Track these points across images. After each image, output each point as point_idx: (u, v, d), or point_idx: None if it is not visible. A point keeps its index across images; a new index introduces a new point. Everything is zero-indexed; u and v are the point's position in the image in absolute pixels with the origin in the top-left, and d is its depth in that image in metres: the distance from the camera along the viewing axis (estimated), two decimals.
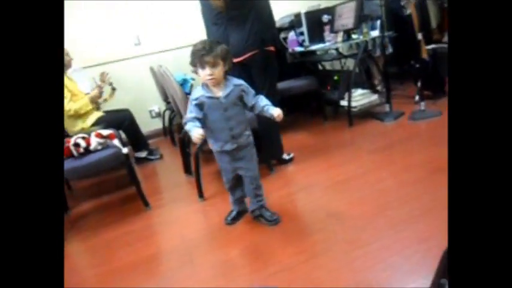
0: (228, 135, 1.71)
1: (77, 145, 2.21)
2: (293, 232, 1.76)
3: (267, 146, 2.50)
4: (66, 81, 2.93)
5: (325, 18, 3.49)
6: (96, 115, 3.09)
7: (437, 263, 0.94)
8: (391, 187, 2.00)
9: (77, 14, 3.94)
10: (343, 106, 3.36)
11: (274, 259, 1.58)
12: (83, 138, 2.25)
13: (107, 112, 3.26)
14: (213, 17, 2.34)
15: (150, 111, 4.42)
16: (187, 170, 2.86)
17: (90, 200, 2.84)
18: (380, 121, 3.12)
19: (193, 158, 2.40)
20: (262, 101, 1.74)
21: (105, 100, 3.36)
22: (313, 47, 3.42)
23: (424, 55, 3.15)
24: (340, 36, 3.28)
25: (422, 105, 2.99)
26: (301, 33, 3.64)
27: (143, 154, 3.48)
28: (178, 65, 3.78)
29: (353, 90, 3.26)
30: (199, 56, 1.57)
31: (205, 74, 1.60)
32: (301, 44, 3.63)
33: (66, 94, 2.87)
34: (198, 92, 1.67)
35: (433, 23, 3.85)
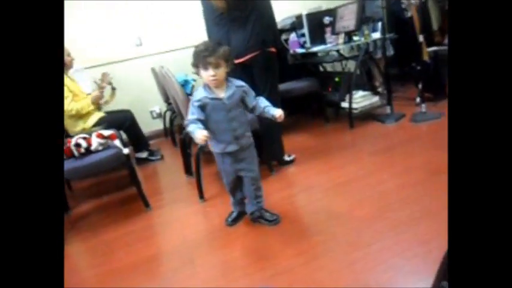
0: (231, 136, 1.70)
1: (78, 145, 2.21)
2: (293, 233, 1.76)
3: (268, 147, 2.51)
4: (67, 81, 2.93)
5: (327, 19, 3.49)
6: (97, 115, 3.09)
7: (438, 265, 0.94)
8: (392, 189, 2.00)
9: (80, 14, 3.95)
10: (344, 108, 3.36)
11: (274, 260, 1.57)
12: (84, 138, 2.26)
13: (108, 113, 3.26)
14: (215, 18, 2.34)
15: (151, 112, 4.43)
16: (187, 170, 2.86)
17: (90, 200, 2.85)
18: (381, 123, 3.12)
19: (194, 159, 2.40)
20: (263, 102, 1.76)
21: (106, 102, 3.36)
22: (315, 49, 3.43)
23: (425, 57, 3.15)
24: (341, 38, 3.28)
25: (423, 107, 2.99)
26: (303, 35, 3.65)
27: (144, 155, 3.49)
28: (180, 66, 3.79)
29: (354, 92, 3.26)
30: (202, 57, 1.57)
31: (207, 75, 1.60)
32: (302, 46, 3.64)
33: (68, 94, 2.88)
34: (200, 94, 1.66)
35: (435, 25, 3.85)
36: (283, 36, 3.78)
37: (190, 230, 2.03)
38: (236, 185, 1.88)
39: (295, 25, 3.72)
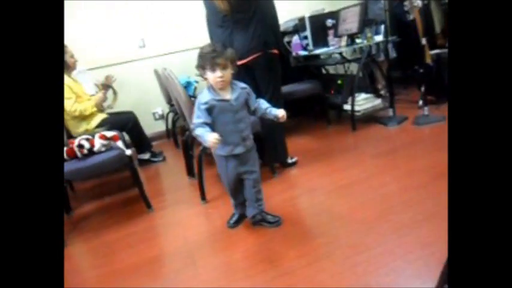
0: (238, 137, 1.70)
1: (80, 146, 2.22)
2: (296, 235, 1.76)
3: (271, 149, 2.51)
4: (71, 82, 2.94)
5: (329, 22, 3.49)
6: (100, 117, 3.10)
7: (440, 268, 0.94)
8: (395, 192, 2.00)
9: (85, 16, 3.97)
10: (346, 110, 3.36)
11: (276, 262, 1.57)
12: (87, 139, 2.26)
13: (110, 114, 3.27)
14: (219, 20, 2.35)
15: (154, 114, 4.44)
16: (190, 172, 2.86)
17: (92, 201, 2.85)
18: (383, 125, 3.12)
19: (197, 161, 2.41)
20: (264, 104, 1.78)
21: (109, 106, 3.37)
22: (317, 51, 3.43)
23: (428, 60, 3.14)
24: (344, 41, 3.28)
25: (426, 110, 2.99)
26: (305, 37, 3.65)
27: (146, 156, 3.49)
28: (183, 68, 3.81)
29: (356, 94, 3.26)
30: (210, 58, 1.57)
31: (215, 76, 1.59)
32: (305, 48, 3.64)
33: (71, 95, 2.88)
34: (206, 96, 1.65)
35: (437, 28, 3.85)
36: (286, 39, 3.79)
37: (192, 232, 2.03)
38: (237, 188, 1.87)
39: (298, 27, 3.73)
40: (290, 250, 1.64)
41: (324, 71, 4.02)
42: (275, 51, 2.43)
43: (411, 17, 3.21)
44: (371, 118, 3.30)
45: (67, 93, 2.85)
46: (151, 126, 4.25)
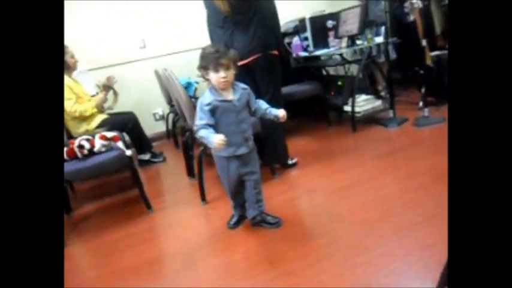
0: (241, 138, 1.71)
1: (81, 147, 2.22)
2: (296, 236, 1.76)
3: (271, 150, 2.51)
4: (71, 83, 2.94)
5: (330, 23, 3.50)
6: (100, 117, 3.10)
7: (440, 269, 0.94)
8: (395, 193, 2.00)
9: (83, 16, 3.98)
10: (346, 111, 3.36)
11: (276, 263, 1.57)
12: (87, 140, 2.26)
13: (111, 114, 3.27)
14: (219, 21, 2.35)
15: (154, 114, 4.44)
16: (190, 173, 2.86)
17: (92, 201, 2.85)
18: (384, 127, 3.12)
19: (197, 161, 2.41)
20: (263, 104, 1.79)
21: (110, 108, 3.37)
22: (318, 52, 3.44)
23: (428, 62, 3.15)
24: (344, 42, 3.29)
25: (426, 111, 2.99)
26: (306, 38, 3.65)
27: (146, 156, 3.49)
28: (183, 69, 3.81)
29: (357, 95, 3.26)
30: (214, 59, 1.57)
31: (219, 76, 1.59)
32: (305, 49, 3.64)
33: (72, 96, 2.89)
34: (208, 97, 1.64)
35: (438, 29, 3.85)
36: (286, 40, 3.79)
37: (192, 232, 2.03)
38: (238, 190, 1.87)
39: (299, 28, 3.73)
40: (290, 251, 1.64)
41: (324, 72, 4.02)
42: (275, 52, 2.43)
43: (411, 18, 3.22)
44: (371, 119, 3.30)
45: (67, 93, 2.85)
46: (152, 127, 4.25)
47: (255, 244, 1.78)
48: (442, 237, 1.47)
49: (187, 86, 3.83)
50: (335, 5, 3.86)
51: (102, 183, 3.27)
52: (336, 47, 3.38)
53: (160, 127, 4.44)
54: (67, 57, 2.94)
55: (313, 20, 3.58)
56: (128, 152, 2.33)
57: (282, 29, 3.55)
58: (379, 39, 3.27)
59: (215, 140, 1.53)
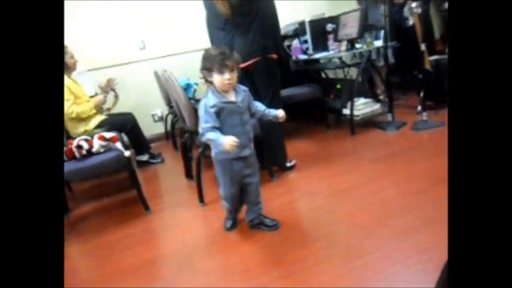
0: (246, 139, 1.71)
1: (79, 147, 2.22)
2: (294, 239, 1.75)
3: (270, 152, 2.51)
4: (70, 83, 2.94)
5: (329, 27, 3.51)
6: (99, 118, 3.09)
7: (438, 273, 0.94)
8: (393, 197, 2.00)
9: (83, 16, 3.97)
10: (345, 115, 3.37)
11: (274, 265, 1.57)
12: (86, 140, 2.26)
13: (110, 115, 3.27)
14: (220, 23, 2.35)
15: (153, 115, 4.44)
16: (188, 174, 2.86)
17: (90, 202, 2.84)
18: (382, 130, 3.13)
19: (195, 163, 2.41)
20: (261, 106, 1.81)
21: (109, 109, 3.37)
22: (317, 55, 3.45)
23: (427, 66, 3.16)
24: (343, 45, 3.30)
25: (425, 115, 3.00)
26: (305, 42, 3.67)
27: (145, 157, 3.49)
28: (182, 70, 3.82)
29: (356, 99, 3.27)
30: (219, 61, 1.56)
31: (223, 78, 1.58)
32: (305, 52, 3.66)
33: (70, 97, 2.87)
34: (212, 99, 1.63)
35: (437, 34, 3.88)
36: (286, 43, 3.80)
37: (190, 234, 2.03)
38: (238, 193, 1.85)
39: (298, 32, 3.74)
40: (288, 253, 1.64)
41: (323, 75, 4.03)
42: (274, 56, 2.44)
43: (411, 22, 3.24)
44: (370, 123, 3.31)
45: (65, 94, 2.84)
46: (150, 128, 4.25)
47: (253, 246, 1.77)
48: (440, 241, 1.47)
49: (187, 88, 3.83)
50: (335, 8, 3.88)
51: (101, 183, 3.26)
52: (336, 51, 3.39)
53: (159, 128, 4.44)
54: (66, 58, 2.94)
55: (313, 23, 3.59)
56: (127, 153, 2.33)
57: (282, 32, 3.56)
58: (379, 43, 3.28)
59: (226, 141, 1.52)
